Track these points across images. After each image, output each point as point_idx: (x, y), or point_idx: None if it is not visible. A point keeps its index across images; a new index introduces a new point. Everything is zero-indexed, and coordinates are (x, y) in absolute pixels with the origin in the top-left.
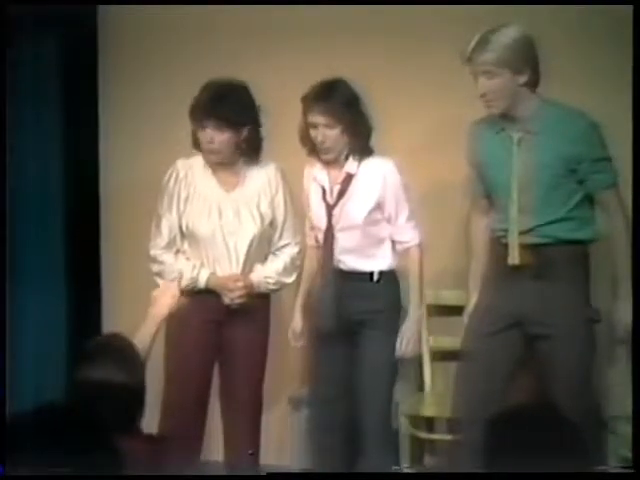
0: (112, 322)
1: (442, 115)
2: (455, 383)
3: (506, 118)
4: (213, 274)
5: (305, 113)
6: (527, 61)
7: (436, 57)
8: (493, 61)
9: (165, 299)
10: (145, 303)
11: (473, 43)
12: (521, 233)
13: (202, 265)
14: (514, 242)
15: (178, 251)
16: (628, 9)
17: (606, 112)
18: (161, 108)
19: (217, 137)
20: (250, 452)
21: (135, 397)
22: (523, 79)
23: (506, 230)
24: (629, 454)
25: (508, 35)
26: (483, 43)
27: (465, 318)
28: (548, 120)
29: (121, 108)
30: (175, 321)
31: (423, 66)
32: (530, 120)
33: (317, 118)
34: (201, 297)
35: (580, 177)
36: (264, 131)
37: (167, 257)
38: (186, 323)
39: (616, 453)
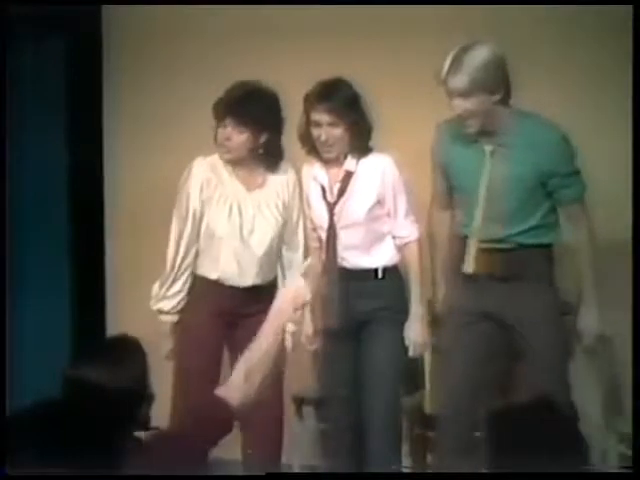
0: (115, 323)
1: (441, 115)
2: (431, 378)
3: (479, 131)
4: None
5: (307, 112)
6: (499, 80)
7: (436, 57)
8: (467, 85)
9: (291, 295)
10: (148, 305)
11: (446, 66)
12: (487, 241)
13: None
14: (472, 251)
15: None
16: (628, 9)
17: (605, 113)
18: (164, 108)
19: (235, 136)
20: (249, 451)
21: (137, 398)
22: (497, 97)
23: (467, 236)
24: (628, 452)
25: (480, 56)
26: (456, 66)
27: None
28: (521, 133)
29: (124, 108)
30: (185, 314)
31: (423, 66)
32: (503, 133)
33: (321, 117)
34: (212, 290)
35: (550, 189)
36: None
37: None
38: (196, 316)
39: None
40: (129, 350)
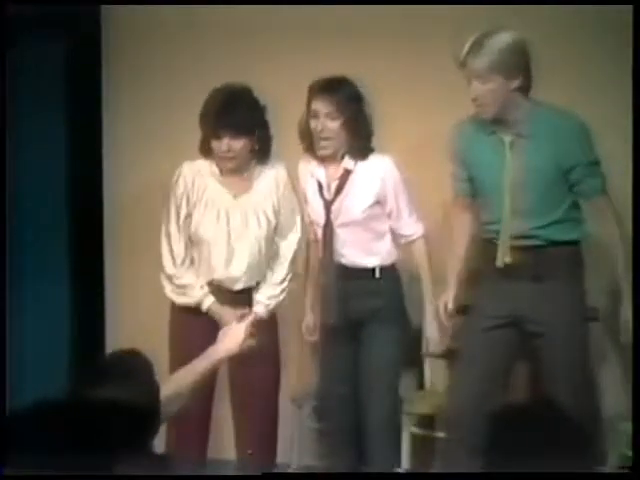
0: (114, 324)
1: (442, 114)
2: (450, 381)
3: (497, 121)
4: (215, 303)
5: (309, 102)
6: (520, 67)
7: (436, 57)
8: (486, 66)
9: (229, 342)
10: (147, 306)
11: (467, 47)
12: (516, 236)
13: (205, 291)
14: (505, 244)
15: (192, 261)
16: (628, 9)
17: (605, 113)
18: (163, 108)
19: (234, 145)
20: (249, 452)
21: (145, 417)
22: (515, 84)
23: (498, 232)
24: (629, 452)
25: (501, 41)
26: (476, 48)
27: (442, 310)
28: (540, 123)
29: (124, 109)
30: (178, 322)
31: (423, 66)
32: (522, 123)
33: (319, 106)
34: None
35: (572, 181)
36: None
37: (187, 276)
38: (190, 319)
39: (618, 452)
40: (139, 364)
